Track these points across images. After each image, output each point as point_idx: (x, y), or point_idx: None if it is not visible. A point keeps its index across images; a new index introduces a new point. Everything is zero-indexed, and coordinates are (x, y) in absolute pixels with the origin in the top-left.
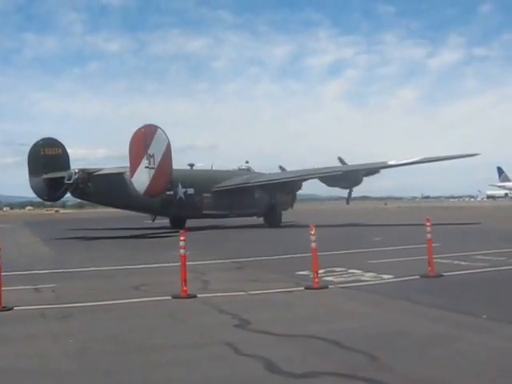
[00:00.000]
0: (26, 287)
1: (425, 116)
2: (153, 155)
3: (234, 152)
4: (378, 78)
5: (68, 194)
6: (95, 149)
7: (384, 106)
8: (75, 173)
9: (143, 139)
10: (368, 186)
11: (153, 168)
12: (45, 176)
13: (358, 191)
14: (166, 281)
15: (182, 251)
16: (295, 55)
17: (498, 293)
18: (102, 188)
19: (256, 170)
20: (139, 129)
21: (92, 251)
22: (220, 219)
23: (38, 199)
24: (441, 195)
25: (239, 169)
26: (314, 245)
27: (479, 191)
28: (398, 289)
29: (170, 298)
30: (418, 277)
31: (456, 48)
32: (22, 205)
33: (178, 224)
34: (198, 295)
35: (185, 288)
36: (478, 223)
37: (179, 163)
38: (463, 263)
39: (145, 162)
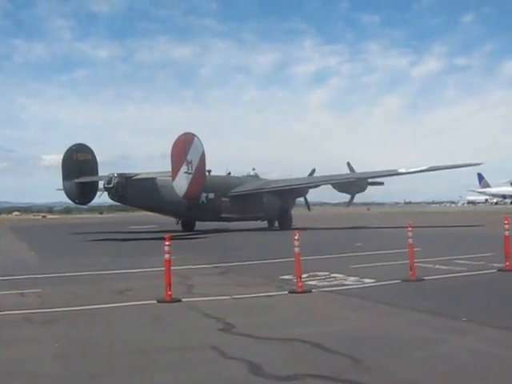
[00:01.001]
0: (12, 292)
1: (408, 124)
2: (191, 161)
3: (220, 158)
4: (362, 86)
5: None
6: None
7: (368, 113)
8: (115, 177)
9: (183, 146)
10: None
11: (191, 173)
12: (76, 180)
13: (341, 197)
14: (152, 285)
15: (166, 256)
16: (280, 63)
17: (477, 296)
18: (137, 192)
19: (261, 177)
20: (180, 136)
21: (78, 256)
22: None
23: (24, 205)
24: (422, 201)
25: (248, 175)
26: (297, 250)
27: (460, 197)
28: (379, 293)
29: (154, 302)
30: (399, 281)
31: (438, 57)
32: (9, 210)
33: (188, 227)
34: (183, 299)
35: (169, 292)
36: (481, 225)
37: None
38: (444, 267)
39: (184, 168)
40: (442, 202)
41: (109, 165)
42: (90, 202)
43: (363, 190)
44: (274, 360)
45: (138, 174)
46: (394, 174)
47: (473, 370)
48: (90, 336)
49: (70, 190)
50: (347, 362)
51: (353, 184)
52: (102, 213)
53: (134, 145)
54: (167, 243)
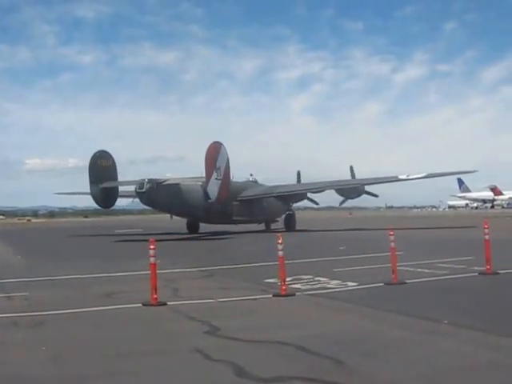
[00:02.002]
0: None
1: (389, 129)
2: (219, 168)
3: (202, 163)
4: (345, 92)
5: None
6: (65, 159)
7: (350, 119)
8: (146, 182)
9: (214, 154)
10: (334, 196)
11: (220, 179)
12: (101, 185)
13: (323, 202)
14: (138, 289)
15: (152, 259)
16: (264, 69)
17: (458, 299)
18: (166, 196)
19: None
20: (211, 144)
21: (65, 260)
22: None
23: (8, 209)
24: (404, 205)
25: (248, 180)
26: (281, 253)
27: (441, 201)
28: (362, 296)
29: (140, 305)
30: (381, 284)
31: (420, 64)
32: None
33: (193, 229)
34: (169, 303)
35: (155, 296)
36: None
37: (149, 174)
38: (426, 271)
39: (215, 174)
40: (423, 207)
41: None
42: (112, 205)
43: (361, 194)
44: (258, 362)
45: (166, 180)
46: (394, 180)
47: (454, 371)
48: (77, 339)
49: (96, 195)
50: (330, 363)
51: (354, 189)
52: (86, 216)
53: (117, 149)
54: (152, 247)
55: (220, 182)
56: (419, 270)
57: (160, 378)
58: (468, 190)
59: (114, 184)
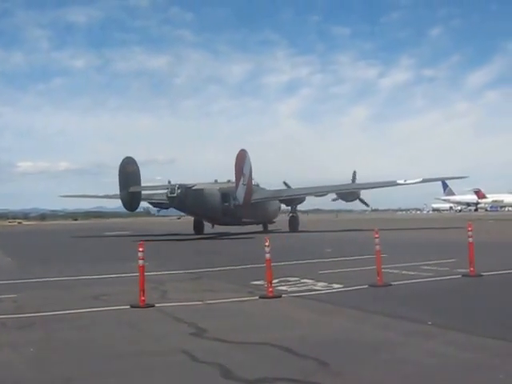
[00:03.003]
0: None
1: (376, 133)
2: (245, 174)
3: (192, 166)
4: (332, 96)
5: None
6: (57, 162)
7: (337, 123)
8: (177, 188)
9: (241, 160)
10: (323, 199)
11: (245, 184)
12: (129, 190)
13: (309, 205)
14: (126, 291)
15: (140, 262)
16: (253, 74)
17: (441, 301)
18: (193, 200)
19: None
20: (239, 152)
21: (54, 262)
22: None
23: None
24: (389, 208)
25: None
26: (268, 256)
27: (425, 204)
28: (347, 298)
29: (128, 307)
30: (366, 286)
31: (406, 69)
32: None
33: (198, 230)
34: (156, 304)
35: (143, 298)
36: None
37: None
38: (410, 273)
39: (242, 180)
40: (408, 210)
41: (83, 172)
42: (137, 208)
43: (358, 197)
44: (244, 364)
45: (194, 185)
46: (392, 184)
47: (437, 372)
48: (65, 341)
49: (124, 199)
50: (315, 365)
51: (353, 193)
52: (76, 219)
53: (108, 152)
54: (141, 249)
55: (245, 186)
56: (404, 272)
57: (147, 379)
58: (452, 193)
59: (140, 188)
